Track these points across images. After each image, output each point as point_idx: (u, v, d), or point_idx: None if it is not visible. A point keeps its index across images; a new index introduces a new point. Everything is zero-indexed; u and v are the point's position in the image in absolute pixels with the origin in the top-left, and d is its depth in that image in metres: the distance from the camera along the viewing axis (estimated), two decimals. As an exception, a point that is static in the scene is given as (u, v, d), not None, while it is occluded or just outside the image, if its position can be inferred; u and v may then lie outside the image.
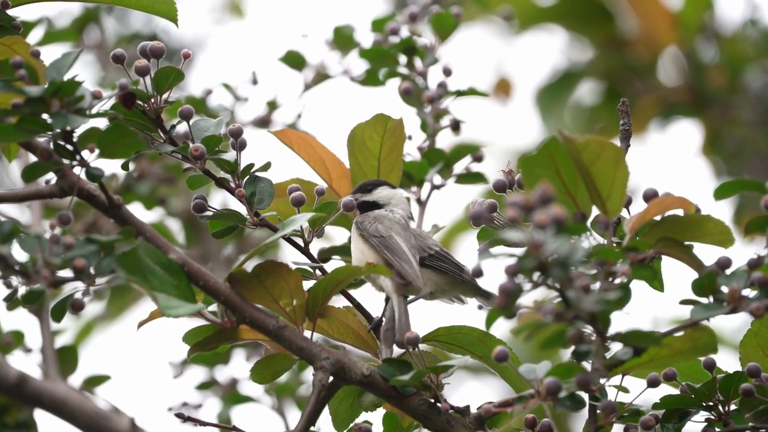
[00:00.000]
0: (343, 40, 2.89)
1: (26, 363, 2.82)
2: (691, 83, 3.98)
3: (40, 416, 2.25)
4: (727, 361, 1.99)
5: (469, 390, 3.81)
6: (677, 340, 1.80)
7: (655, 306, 3.54)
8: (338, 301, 2.09)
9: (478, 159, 2.51)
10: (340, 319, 2.05)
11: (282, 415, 3.02)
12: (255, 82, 2.99)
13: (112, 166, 2.90)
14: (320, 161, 2.26)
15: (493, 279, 1.66)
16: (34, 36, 2.96)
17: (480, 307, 1.67)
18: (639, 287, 1.74)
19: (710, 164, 4.01)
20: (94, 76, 3.48)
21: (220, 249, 3.36)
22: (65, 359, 2.86)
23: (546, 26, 4.15)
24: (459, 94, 2.60)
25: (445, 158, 2.49)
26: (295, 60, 2.93)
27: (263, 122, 3.02)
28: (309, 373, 3.01)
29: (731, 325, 3.70)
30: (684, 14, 3.97)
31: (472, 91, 2.61)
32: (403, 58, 2.65)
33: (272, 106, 3.01)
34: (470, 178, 2.51)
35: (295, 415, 2.99)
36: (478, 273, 1.64)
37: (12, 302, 1.79)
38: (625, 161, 1.79)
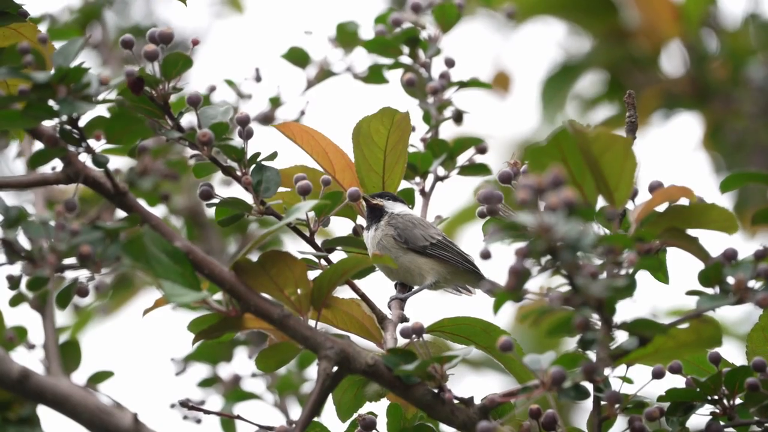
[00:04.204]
0: (346, 36, 2.88)
1: (29, 359, 2.82)
2: (694, 75, 3.97)
3: (43, 412, 2.24)
4: (731, 352, 1.99)
5: (470, 384, 3.81)
6: (682, 332, 1.80)
7: (653, 297, 3.53)
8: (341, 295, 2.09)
9: (482, 150, 2.50)
10: (345, 310, 2.05)
11: (284, 412, 3.01)
12: (258, 79, 2.98)
13: (114, 163, 2.90)
14: (323, 153, 2.26)
15: (498, 271, 1.66)
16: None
17: (489, 291, 1.66)
18: (638, 279, 1.73)
19: (710, 159, 4.00)
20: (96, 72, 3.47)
21: (223, 246, 3.35)
22: (68, 355, 2.85)
23: (547, 18, 4.13)
24: (462, 85, 2.60)
25: (449, 149, 2.48)
26: (298, 56, 2.92)
27: (266, 119, 3.00)
28: (311, 371, 3.01)
29: (734, 315, 3.70)
30: (687, 6, 3.96)
31: (474, 83, 2.60)
32: (405, 49, 2.65)
33: (275, 102, 3.00)
34: (474, 169, 2.50)
35: (297, 412, 2.98)
36: (486, 255, 1.63)
37: (16, 287, 1.79)
38: (634, 153, 1.79)
